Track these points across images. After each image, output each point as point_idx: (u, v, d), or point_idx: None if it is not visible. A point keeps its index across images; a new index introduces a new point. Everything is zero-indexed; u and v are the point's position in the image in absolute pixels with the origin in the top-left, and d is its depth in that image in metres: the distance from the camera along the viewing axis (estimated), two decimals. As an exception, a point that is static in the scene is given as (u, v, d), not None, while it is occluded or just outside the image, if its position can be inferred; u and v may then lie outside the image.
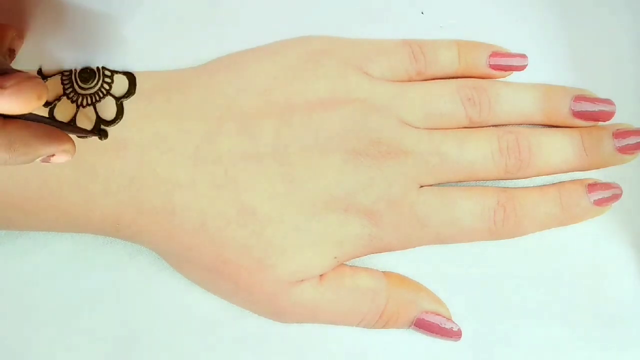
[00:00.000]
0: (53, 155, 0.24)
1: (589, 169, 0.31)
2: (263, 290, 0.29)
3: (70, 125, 0.25)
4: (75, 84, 0.29)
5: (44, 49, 0.29)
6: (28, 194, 0.28)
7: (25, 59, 0.29)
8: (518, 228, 0.30)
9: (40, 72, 0.29)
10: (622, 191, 0.31)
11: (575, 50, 0.32)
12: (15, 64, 0.29)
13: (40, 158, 0.23)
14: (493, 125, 0.31)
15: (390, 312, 0.30)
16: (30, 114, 0.22)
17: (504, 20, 0.32)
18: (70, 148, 0.24)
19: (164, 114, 0.29)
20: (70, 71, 0.29)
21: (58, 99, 0.29)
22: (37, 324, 0.31)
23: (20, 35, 0.29)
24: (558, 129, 0.31)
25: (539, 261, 0.31)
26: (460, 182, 0.31)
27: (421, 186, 0.30)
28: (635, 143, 0.31)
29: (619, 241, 0.32)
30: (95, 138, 0.28)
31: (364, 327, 0.31)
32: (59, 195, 0.28)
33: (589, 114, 0.31)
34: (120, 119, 0.29)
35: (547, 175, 0.31)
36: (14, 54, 0.28)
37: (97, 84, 0.29)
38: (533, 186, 0.31)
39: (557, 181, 0.31)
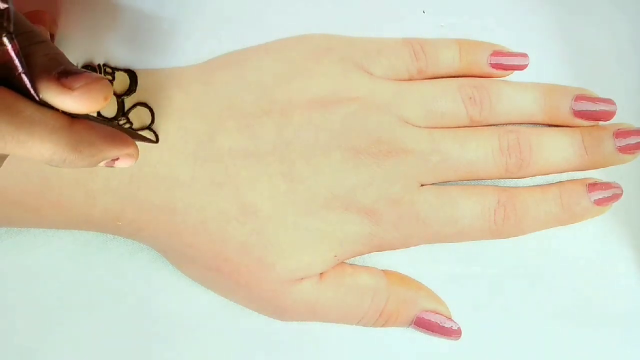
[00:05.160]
0: (117, 158, 0.24)
1: (590, 169, 0.31)
2: (263, 288, 0.29)
3: (131, 131, 0.26)
4: (76, 81, 0.29)
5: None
6: (28, 191, 0.28)
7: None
8: (518, 227, 0.30)
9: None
10: (622, 191, 0.31)
11: (576, 49, 0.32)
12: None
13: (104, 161, 0.23)
14: (494, 125, 0.31)
15: (390, 311, 0.30)
16: (95, 116, 0.22)
17: (505, 20, 0.32)
18: (134, 152, 0.24)
19: (164, 111, 0.29)
20: (72, 68, 0.29)
21: (59, 95, 0.29)
22: (37, 321, 0.31)
23: (55, 21, 0.29)
24: (559, 128, 0.31)
25: (539, 261, 0.31)
26: (460, 181, 0.31)
27: (422, 185, 0.30)
28: (635, 143, 0.31)
29: (619, 241, 0.32)
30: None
31: (363, 326, 0.31)
32: (59, 192, 0.28)
33: (590, 113, 0.31)
34: (121, 116, 0.29)
35: (548, 174, 0.31)
36: (53, 39, 0.28)
37: (98, 81, 0.29)
38: (533, 185, 0.31)
39: (558, 181, 0.31)
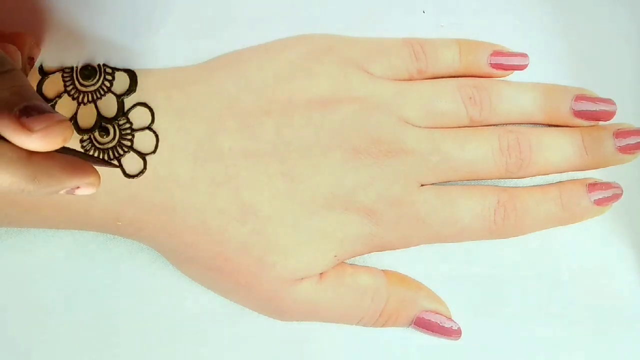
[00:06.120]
0: (78, 187, 0.24)
1: (590, 169, 0.31)
2: (263, 288, 0.29)
3: (95, 157, 0.26)
4: (76, 81, 0.29)
5: (46, 46, 0.29)
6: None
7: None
8: (518, 227, 0.30)
9: (41, 69, 0.29)
10: (622, 191, 0.31)
11: (576, 49, 0.32)
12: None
13: (64, 190, 0.23)
14: (494, 125, 0.31)
15: (390, 311, 0.30)
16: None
17: (505, 20, 0.32)
18: (95, 181, 0.24)
19: (164, 111, 0.29)
20: (72, 68, 0.29)
21: (59, 96, 0.29)
22: (36, 321, 0.31)
23: (38, 43, 0.29)
24: (559, 128, 0.31)
25: (539, 261, 0.31)
26: (460, 181, 0.31)
27: (422, 185, 0.30)
28: (635, 143, 0.31)
29: (619, 241, 0.32)
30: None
31: (363, 326, 0.31)
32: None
33: (590, 113, 0.31)
34: (121, 116, 0.29)
35: (548, 174, 0.31)
36: (33, 62, 0.28)
37: (98, 81, 0.29)
38: (533, 185, 0.31)
39: (558, 181, 0.31)
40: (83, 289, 0.31)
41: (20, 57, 0.26)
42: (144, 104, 0.29)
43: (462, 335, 0.31)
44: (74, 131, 0.21)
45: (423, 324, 0.30)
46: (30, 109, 0.21)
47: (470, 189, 0.30)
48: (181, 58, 0.30)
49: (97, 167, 0.24)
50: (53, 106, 0.29)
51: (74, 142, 0.28)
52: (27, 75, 0.28)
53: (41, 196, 0.22)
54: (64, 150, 0.23)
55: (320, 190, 0.29)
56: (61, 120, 0.21)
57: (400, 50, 0.31)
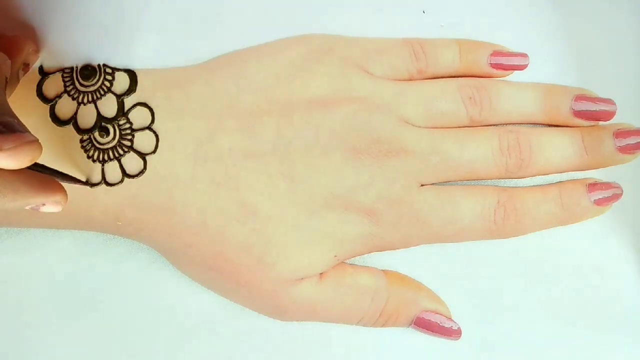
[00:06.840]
0: (43, 204, 0.24)
1: (590, 169, 0.31)
2: (263, 288, 0.29)
3: (63, 175, 0.26)
4: (76, 81, 0.29)
5: (46, 46, 0.29)
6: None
7: (26, 56, 0.29)
8: (518, 227, 0.30)
9: (41, 69, 0.29)
10: (622, 191, 0.31)
11: (576, 49, 0.32)
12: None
13: (29, 206, 0.23)
14: (494, 125, 0.31)
15: (390, 311, 0.30)
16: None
17: (505, 20, 0.32)
18: (62, 199, 0.24)
19: (164, 111, 0.29)
20: (72, 68, 0.29)
21: (59, 96, 0.29)
22: (36, 321, 0.31)
23: (36, 50, 0.29)
24: (559, 128, 0.31)
25: (539, 261, 0.31)
26: (460, 181, 0.31)
27: (422, 185, 0.30)
28: (635, 143, 0.31)
29: (619, 241, 0.32)
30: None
31: (363, 326, 0.31)
32: (59, 192, 0.28)
33: (590, 113, 0.31)
34: (121, 116, 0.29)
35: (548, 174, 0.31)
36: (28, 68, 0.28)
37: (98, 81, 0.29)
38: (533, 185, 0.31)
39: (558, 181, 0.31)
40: (83, 289, 0.31)
41: (9, 65, 0.26)
42: (144, 104, 0.29)
43: (462, 335, 0.31)
44: (43, 150, 0.22)
45: (423, 324, 0.31)
46: (1, 126, 0.21)
47: (470, 189, 0.30)
48: (181, 58, 0.30)
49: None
50: (53, 106, 0.29)
51: (74, 142, 0.29)
52: (19, 80, 0.28)
53: (4, 209, 0.22)
54: (34, 166, 0.23)
55: (320, 191, 0.29)
56: (31, 141, 0.21)
57: (400, 50, 0.31)
